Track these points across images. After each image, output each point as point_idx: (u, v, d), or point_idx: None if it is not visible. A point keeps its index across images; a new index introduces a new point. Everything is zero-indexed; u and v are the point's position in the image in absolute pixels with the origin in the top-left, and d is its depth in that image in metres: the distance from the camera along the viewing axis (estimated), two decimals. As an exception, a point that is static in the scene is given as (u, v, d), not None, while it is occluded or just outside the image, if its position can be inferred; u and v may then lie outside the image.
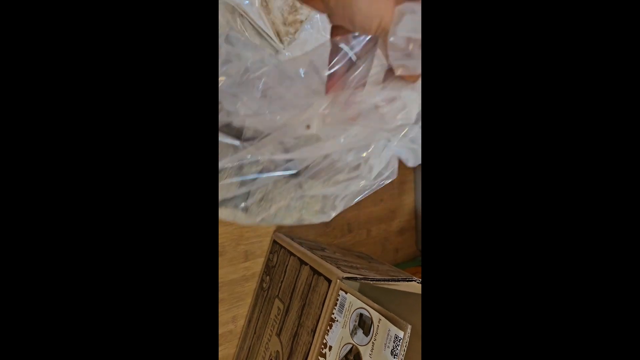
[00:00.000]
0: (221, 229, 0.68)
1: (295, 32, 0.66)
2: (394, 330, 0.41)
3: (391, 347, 0.41)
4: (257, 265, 0.73)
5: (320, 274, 0.55)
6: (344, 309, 0.48)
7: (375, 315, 0.44)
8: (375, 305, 0.44)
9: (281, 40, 0.65)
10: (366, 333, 0.44)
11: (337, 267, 0.55)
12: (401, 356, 0.40)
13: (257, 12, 0.63)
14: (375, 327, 0.43)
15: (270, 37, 0.64)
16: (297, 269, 0.62)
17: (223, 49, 0.49)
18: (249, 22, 0.63)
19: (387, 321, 0.42)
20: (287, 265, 0.65)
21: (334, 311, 0.50)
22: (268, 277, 0.69)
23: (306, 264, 0.60)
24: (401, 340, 0.40)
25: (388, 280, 0.54)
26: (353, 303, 0.47)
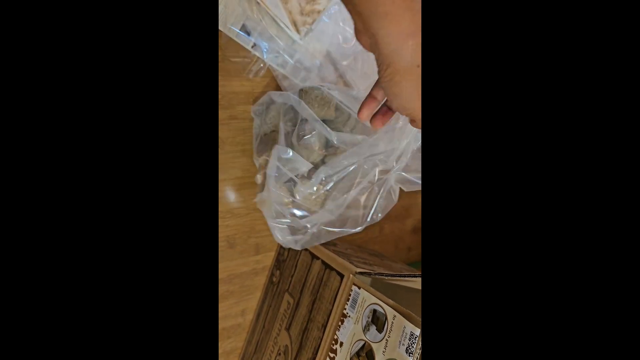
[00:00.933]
0: (232, 222, 0.67)
1: (312, 22, 0.64)
2: (410, 327, 0.40)
3: (406, 345, 0.40)
4: (268, 259, 0.72)
5: (332, 269, 0.54)
6: (357, 304, 0.47)
7: (389, 312, 0.42)
8: (390, 301, 0.43)
9: (297, 30, 0.64)
10: (379, 330, 0.43)
11: (350, 262, 0.54)
12: (417, 354, 0.39)
13: (274, 1, 0.62)
14: (390, 323, 0.42)
15: (287, 27, 0.63)
16: (308, 263, 0.61)
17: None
18: (266, 10, 0.62)
19: (403, 318, 0.41)
20: (298, 260, 0.64)
21: (346, 306, 0.49)
22: (278, 272, 0.68)
23: (318, 258, 0.59)
24: (417, 338, 0.39)
25: (404, 276, 0.53)
26: (366, 299, 0.46)
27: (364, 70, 0.68)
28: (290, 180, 0.55)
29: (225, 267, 0.69)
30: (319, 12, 0.65)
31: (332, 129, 0.62)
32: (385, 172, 0.55)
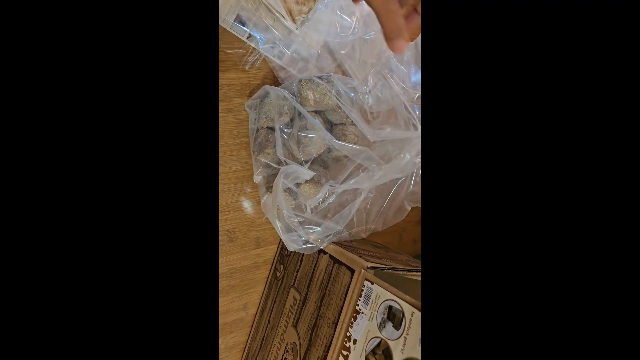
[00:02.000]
0: (232, 215, 0.66)
1: (308, 11, 0.63)
2: (429, 324, 0.40)
3: (427, 342, 0.40)
4: (269, 252, 0.71)
5: (341, 263, 0.54)
6: (370, 300, 0.47)
7: (407, 308, 0.42)
8: (407, 297, 0.42)
9: (294, 20, 0.62)
10: (396, 327, 0.43)
11: (359, 256, 0.53)
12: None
13: (269, -10, 0.60)
14: (408, 320, 0.41)
15: (283, 16, 0.62)
16: (314, 257, 0.60)
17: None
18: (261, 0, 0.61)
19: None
20: (303, 254, 0.63)
21: (359, 302, 0.48)
22: (282, 266, 0.67)
23: (325, 252, 0.58)
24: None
25: (418, 271, 0.52)
26: (381, 294, 0.45)
27: (362, 59, 0.67)
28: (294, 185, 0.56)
29: (226, 261, 0.68)
30: (314, 0, 0.63)
31: (333, 119, 0.61)
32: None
